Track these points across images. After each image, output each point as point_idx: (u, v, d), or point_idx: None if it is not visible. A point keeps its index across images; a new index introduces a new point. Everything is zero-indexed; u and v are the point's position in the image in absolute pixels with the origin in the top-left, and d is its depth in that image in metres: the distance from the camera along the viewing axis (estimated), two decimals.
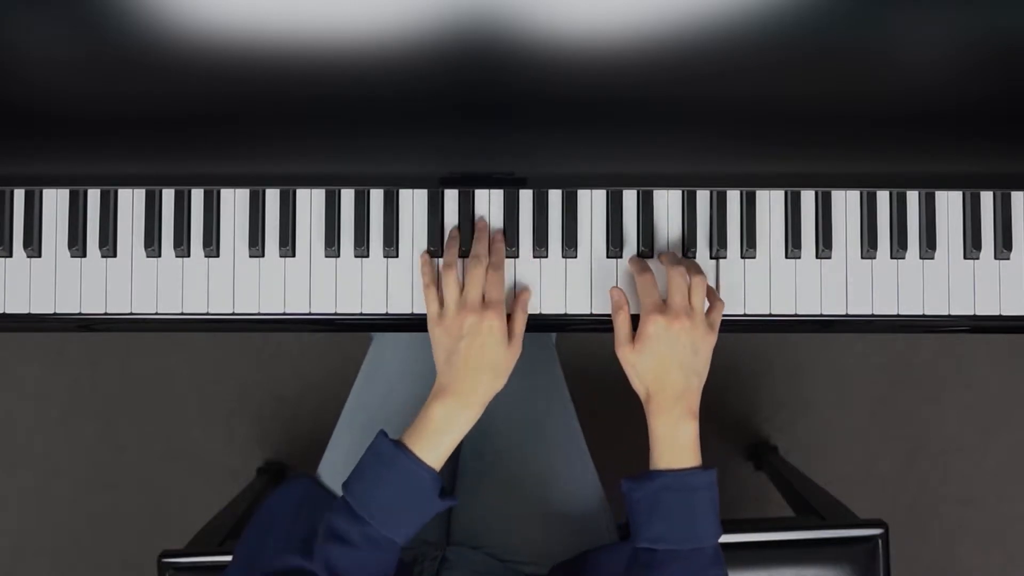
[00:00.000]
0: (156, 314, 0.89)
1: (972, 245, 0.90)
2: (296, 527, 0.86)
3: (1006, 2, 0.80)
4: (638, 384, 0.82)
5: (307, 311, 0.89)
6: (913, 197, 0.91)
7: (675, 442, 0.79)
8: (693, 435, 0.80)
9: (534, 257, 0.90)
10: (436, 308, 0.85)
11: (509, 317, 0.85)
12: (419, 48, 0.80)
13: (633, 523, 0.80)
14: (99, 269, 0.89)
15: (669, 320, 0.79)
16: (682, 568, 0.77)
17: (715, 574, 0.79)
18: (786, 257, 0.90)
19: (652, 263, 0.89)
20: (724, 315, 0.89)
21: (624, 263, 0.89)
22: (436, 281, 0.87)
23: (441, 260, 0.88)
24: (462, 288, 0.84)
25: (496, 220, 0.90)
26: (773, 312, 0.90)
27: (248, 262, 0.89)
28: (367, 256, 0.89)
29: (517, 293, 0.89)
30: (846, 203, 0.91)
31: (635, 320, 0.84)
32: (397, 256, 0.89)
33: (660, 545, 0.78)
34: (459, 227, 0.89)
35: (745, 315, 0.90)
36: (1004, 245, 0.90)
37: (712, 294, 0.86)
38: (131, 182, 0.88)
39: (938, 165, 0.85)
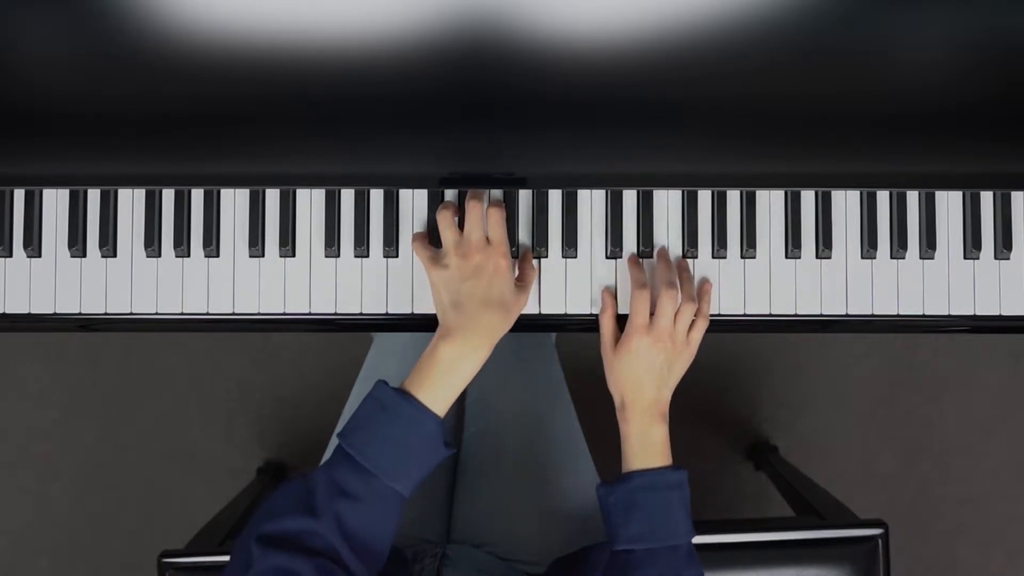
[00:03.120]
0: (156, 314, 0.89)
1: (972, 245, 0.90)
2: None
3: (1006, 2, 0.80)
4: (613, 388, 0.84)
5: (307, 311, 0.89)
6: (913, 197, 0.91)
7: (646, 444, 0.82)
8: (663, 436, 0.82)
9: (534, 257, 0.89)
10: (429, 252, 0.83)
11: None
12: (419, 48, 0.80)
13: (611, 526, 0.81)
14: (99, 269, 0.89)
15: (652, 341, 0.82)
16: (660, 568, 0.78)
17: (693, 571, 0.80)
18: (786, 257, 0.90)
19: (648, 264, 0.89)
20: (725, 315, 0.90)
21: (624, 263, 0.89)
22: (426, 235, 0.87)
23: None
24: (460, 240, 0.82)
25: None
26: (773, 312, 0.90)
27: (248, 262, 0.89)
28: (367, 256, 0.89)
29: (520, 255, 0.88)
30: (846, 203, 0.91)
31: (622, 320, 0.85)
32: (397, 256, 0.89)
33: (638, 545, 0.78)
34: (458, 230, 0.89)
35: (745, 315, 0.90)
36: (1004, 245, 0.90)
37: (699, 310, 0.86)
38: (131, 182, 0.88)
39: (938, 165, 0.85)
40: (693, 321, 0.85)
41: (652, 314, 0.83)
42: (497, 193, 0.90)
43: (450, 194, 0.89)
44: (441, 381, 0.76)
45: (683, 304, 0.84)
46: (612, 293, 0.88)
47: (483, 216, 0.82)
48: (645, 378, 0.82)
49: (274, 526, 0.70)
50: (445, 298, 0.80)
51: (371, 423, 0.74)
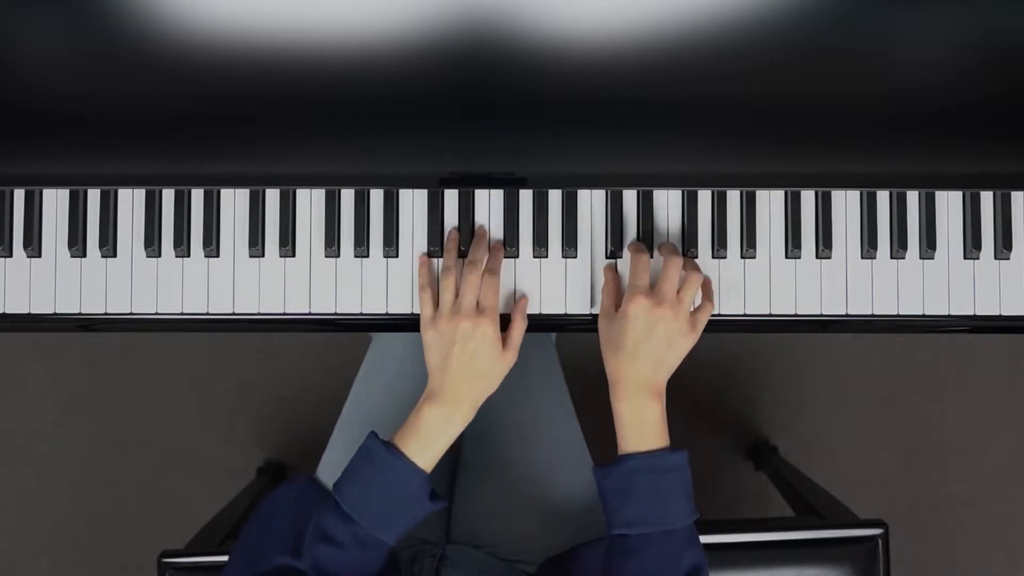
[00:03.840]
0: (156, 314, 0.89)
1: (972, 245, 0.90)
2: (293, 527, 0.86)
3: (1006, 2, 0.80)
4: (607, 360, 0.82)
5: (307, 311, 0.89)
6: (913, 197, 0.91)
7: (640, 424, 0.79)
8: (658, 416, 0.80)
9: (534, 257, 0.90)
10: (430, 311, 0.84)
11: (506, 325, 0.85)
12: (419, 48, 0.80)
13: (607, 511, 0.80)
14: (99, 269, 0.89)
15: (653, 304, 0.79)
16: (658, 551, 0.77)
17: (691, 555, 0.78)
18: (786, 257, 0.90)
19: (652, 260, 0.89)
20: (725, 315, 0.89)
21: (624, 263, 0.89)
22: (432, 284, 0.87)
23: (440, 263, 0.88)
24: (458, 293, 0.84)
25: (496, 220, 0.90)
26: (773, 312, 0.90)
27: (248, 262, 0.89)
28: (367, 256, 0.89)
29: (516, 300, 0.88)
30: (846, 203, 0.91)
31: None
32: (397, 256, 0.89)
33: (633, 530, 0.77)
34: (458, 229, 0.89)
35: (745, 315, 0.90)
36: (1004, 245, 0.90)
37: (705, 294, 0.85)
38: (131, 182, 0.88)
39: (938, 165, 0.85)
40: (699, 307, 0.84)
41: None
42: (497, 215, 0.90)
43: (451, 195, 0.89)
44: (425, 440, 0.79)
45: (689, 273, 0.82)
46: (614, 268, 0.88)
47: (478, 283, 0.83)
48: (641, 348, 0.79)
49: (265, 566, 0.77)
50: (433, 360, 0.82)
51: (360, 475, 0.78)
